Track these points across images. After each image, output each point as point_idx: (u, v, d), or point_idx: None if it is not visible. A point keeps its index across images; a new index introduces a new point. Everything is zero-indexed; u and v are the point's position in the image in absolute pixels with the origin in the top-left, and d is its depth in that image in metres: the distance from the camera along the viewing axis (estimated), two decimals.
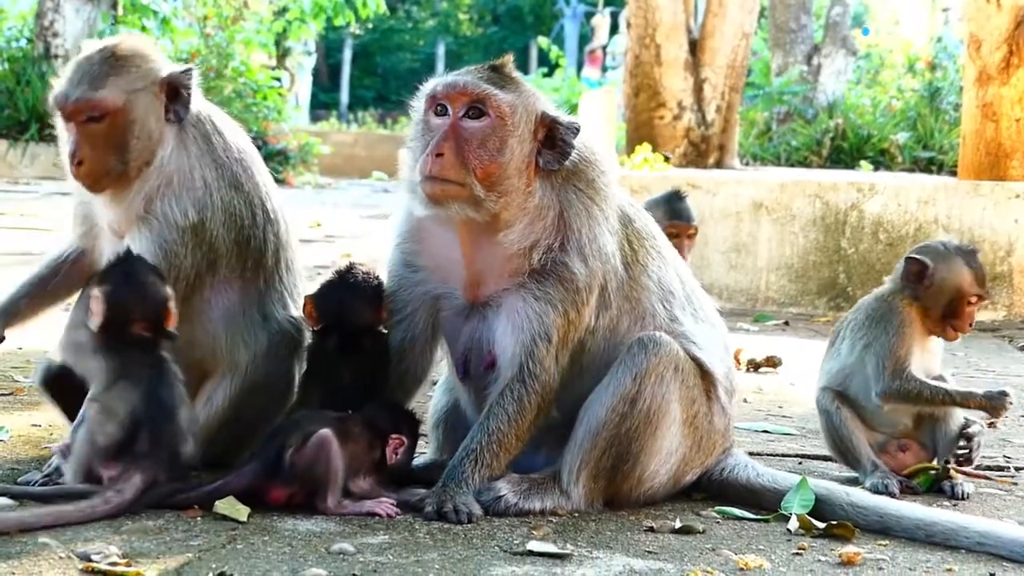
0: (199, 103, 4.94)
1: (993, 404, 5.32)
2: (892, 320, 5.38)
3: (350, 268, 4.89)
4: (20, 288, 5.11)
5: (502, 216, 4.59)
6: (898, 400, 5.34)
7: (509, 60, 4.70)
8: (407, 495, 4.58)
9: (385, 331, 4.83)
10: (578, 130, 4.65)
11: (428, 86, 4.65)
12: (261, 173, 5.03)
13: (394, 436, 4.61)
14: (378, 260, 5.01)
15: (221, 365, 4.95)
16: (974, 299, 5.40)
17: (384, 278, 4.85)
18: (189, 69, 4.84)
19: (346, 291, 4.83)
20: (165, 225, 4.77)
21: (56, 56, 23.82)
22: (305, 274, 5.24)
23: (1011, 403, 5.33)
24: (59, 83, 4.81)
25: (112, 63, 4.77)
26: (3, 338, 5.06)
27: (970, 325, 5.43)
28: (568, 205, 4.66)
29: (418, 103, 4.66)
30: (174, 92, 4.83)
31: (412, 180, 4.60)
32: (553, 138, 4.64)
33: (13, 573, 3.65)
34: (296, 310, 5.04)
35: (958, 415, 5.44)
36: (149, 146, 4.79)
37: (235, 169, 4.92)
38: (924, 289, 5.38)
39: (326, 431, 4.39)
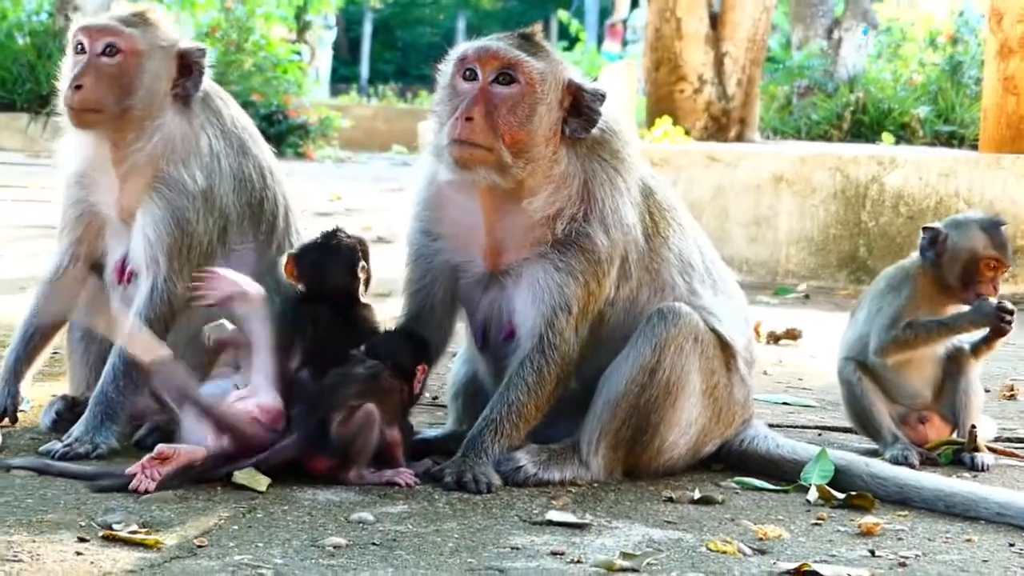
0: (209, 84, 5.00)
1: (985, 314, 5.26)
2: (904, 288, 5.34)
3: (334, 231, 4.87)
4: (25, 329, 5.11)
5: (527, 183, 4.59)
6: (896, 351, 5.28)
7: (538, 29, 4.70)
8: (427, 465, 4.60)
9: (367, 302, 4.82)
10: (604, 98, 4.63)
11: (458, 50, 4.64)
12: (263, 143, 5.12)
13: (419, 368, 4.64)
14: (397, 233, 5.01)
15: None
16: (992, 263, 5.30)
17: (405, 249, 4.84)
18: (204, 49, 4.93)
19: (321, 252, 4.80)
20: (176, 192, 4.82)
21: None
22: None
23: (1004, 309, 5.24)
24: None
25: (143, 17, 4.91)
26: (23, 398, 5.11)
27: (995, 289, 5.31)
28: (593, 175, 4.65)
29: (446, 67, 4.65)
30: (186, 67, 4.90)
31: (439, 144, 4.59)
32: (579, 106, 4.63)
33: (34, 541, 3.67)
34: None
35: (979, 387, 5.42)
36: (149, 104, 4.85)
37: (242, 137, 5.01)
38: (939, 257, 5.34)
39: (371, 407, 4.40)
